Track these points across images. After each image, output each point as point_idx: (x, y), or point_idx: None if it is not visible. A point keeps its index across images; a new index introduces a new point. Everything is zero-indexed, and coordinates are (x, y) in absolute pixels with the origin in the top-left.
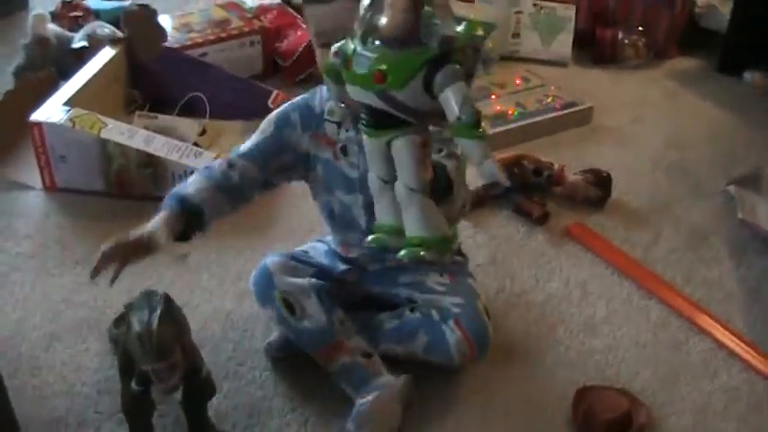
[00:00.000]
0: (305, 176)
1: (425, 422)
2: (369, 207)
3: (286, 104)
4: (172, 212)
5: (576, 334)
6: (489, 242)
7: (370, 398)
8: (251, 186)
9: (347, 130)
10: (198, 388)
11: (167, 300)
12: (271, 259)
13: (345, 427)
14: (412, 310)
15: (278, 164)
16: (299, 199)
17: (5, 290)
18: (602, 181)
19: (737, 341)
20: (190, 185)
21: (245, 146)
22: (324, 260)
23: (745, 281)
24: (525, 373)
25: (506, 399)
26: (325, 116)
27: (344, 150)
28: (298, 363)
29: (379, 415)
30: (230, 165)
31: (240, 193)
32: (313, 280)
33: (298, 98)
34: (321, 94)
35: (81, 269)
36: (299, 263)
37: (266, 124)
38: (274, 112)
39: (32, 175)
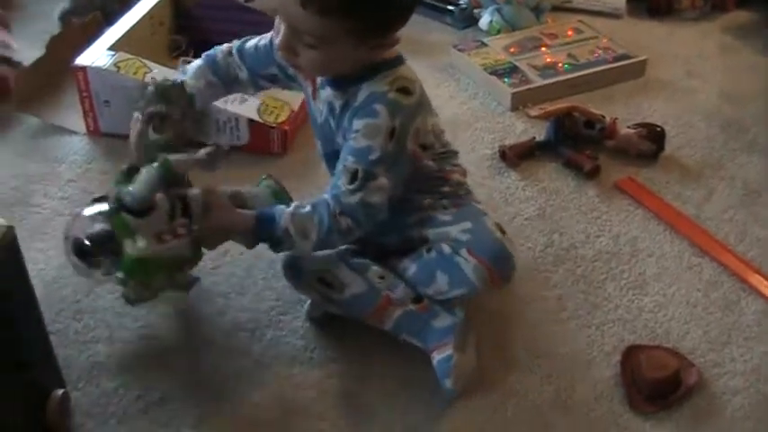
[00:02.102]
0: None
1: (474, 378)
2: (325, 156)
3: None
4: None
5: (626, 291)
6: (538, 195)
7: (449, 351)
8: (242, 83)
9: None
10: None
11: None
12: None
13: (443, 385)
14: (428, 251)
15: (266, 73)
16: None
17: (48, 234)
18: (655, 135)
19: None
20: (191, 68)
21: (249, 44)
22: None
23: None
24: (572, 329)
25: (552, 356)
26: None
27: (319, 92)
28: (337, 314)
29: (467, 366)
30: (229, 53)
31: (234, 83)
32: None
33: None
34: None
35: None
36: None
37: (268, 34)
38: None
39: (76, 120)
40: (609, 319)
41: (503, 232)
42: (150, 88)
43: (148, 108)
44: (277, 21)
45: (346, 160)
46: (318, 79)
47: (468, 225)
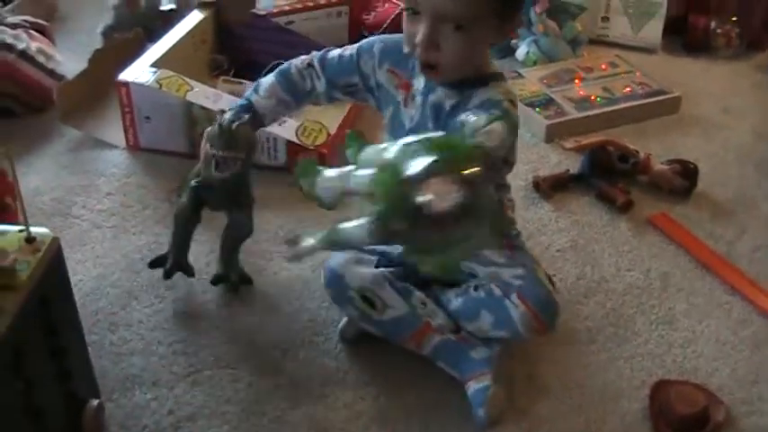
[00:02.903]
0: (379, 107)
1: (505, 407)
2: None
3: (378, 36)
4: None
5: (656, 326)
6: (571, 227)
7: (487, 381)
8: (317, 95)
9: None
10: (237, 222)
11: (252, 117)
12: (335, 260)
13: (476, 414)
14: (476, 288)
15: (345, 83)
16: None
17: (86, 246)
18: (688, 171)
19: None
20: (262, 85)
21: (331, 54)
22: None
23: None
24: (602, 361)
25: (582, 387)
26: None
27: (412, 99)
28: (372, 337)
29: (501, 397)
30: (309, 65)
31: (307, 96)
32: (381, 270)
33: (393, 35)
34: None
35: (161, 228)
36: (361, 252)
37: (352, 46)
38: (365, 39)
39: (117, 134)
40: (638, 353)
41: (552, 284)
42: (214, 129)
43: (211, 149)
44: (408, 25)
45: None
46: (417, 85)
47: (520, 272)
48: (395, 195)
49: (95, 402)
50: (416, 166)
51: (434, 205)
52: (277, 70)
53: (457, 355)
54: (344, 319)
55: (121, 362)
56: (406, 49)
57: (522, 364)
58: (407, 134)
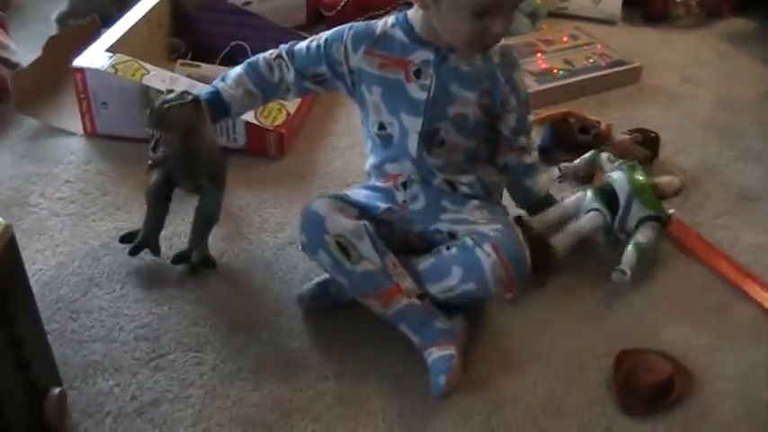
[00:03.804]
0: (350, 92)
1: (467, 381)
2: (427, 134)
3: (344, 25)
4: (206, 102)
5: (618, 294)
6: None
7: (452, 350)
8: (286, 87)
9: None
10: (204, 203)
11: (195, 100)
12: (317, 203)
13: (435, 381)
14: (448, 248)
15: (313, 72)
16: (338, 150)
17: (45, 235)
18: (649, 141)
19: None
20: (230, 75)
21: (299, 45)
22: (364, 200)
23: None
24: (565, 332)
25: (545, 358)
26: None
27: (417, 73)
28: (334, 316)
29: (461, 370)
30: (278, 56)
31: (275, 90)
32: (363, 221)
33: (359, 22)
34: (387, 20)
35: (121, 215)
36: (343, 202)
37: (321, 35)
38: (331, 30)
39: (74, 122)
40: (601, 323)
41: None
42: (147, 111)
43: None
44: (471, 23)
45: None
46: (420, 57)
47: (498, 227)
48: None
49: (57, 390)
50: None
51: None
52: (246, 62)
53: (421, 321)
54: (306, 284)
55: (83, 349)
56: (462, 43)
57: (483, 335)
58: (429, 102)
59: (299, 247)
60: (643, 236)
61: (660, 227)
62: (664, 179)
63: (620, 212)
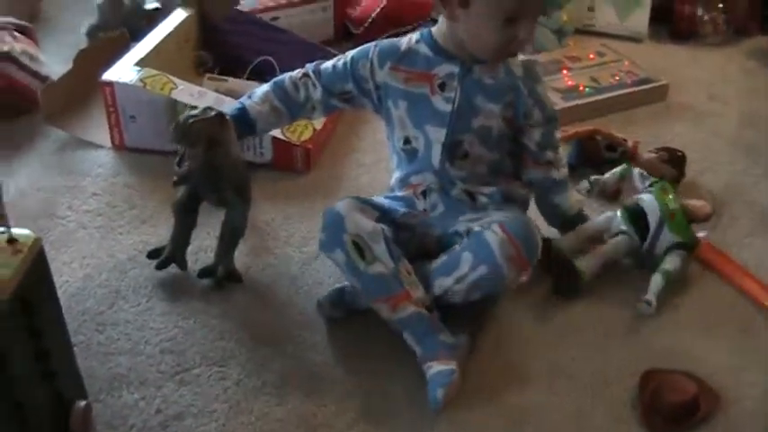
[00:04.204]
0: (376, 109)
1: (488, 391)
2: (450, 146)
3: (369, 43)
4: (232, 118)
5: (635, 292)
6: None
7: (453, 366)
8: (312, 105)
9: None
10: (231, 218)
11: (219, 115)
12: (340, 203)
13: (433, 394)
14: (460, 244)
15: (340, 90)
16: (364, 166)
17: (73, 247)
18: (676, 159)
19: None
20: (257, 93)
21: (325, 64)
22: (386, 204)
23: None
24: (592, 349)
25: (570, 376)
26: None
27: (442, 86)
28: (358, 331)
29: (459, 387)
30: (305, 75)
31: (301, 108)
32: (381, 225)
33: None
34: (411, 36)
35: (147, 228)
36: (365, 204)
37: (347, 53)
38: (356, 49)
39: (102, 135)
40: (627, 341)
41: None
42: (171, 126)
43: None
44: (500, 33)
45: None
46: (445, 71)
47: (510, 214)
48: None
49: (82, 403)
50: None
51: None
52: (272, 80)
53: (425, 332)
54: (325, 294)
55: (109, 362)
56: (490, 51)
57: (508, 353)
58: (453, 114)
59: (318, 246)
60: (671, 264)
61: (689, 254)
62: (694, 203)
63: (649, 237)
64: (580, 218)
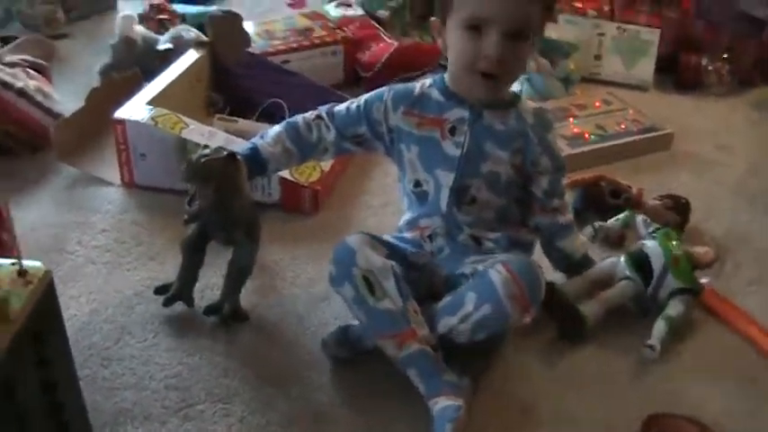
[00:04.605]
0: (388, 152)
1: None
2: (458, 190)
3: (384, 87)
4: (244, 158)
5: (639, 336)
6: None
7: (460, 402)
8: (325, 147)
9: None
10: (238, 256)
11: (231, 155)
12: (351, 237)
13: (440, 429)
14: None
15: (353, 133)
16: (372, 208)
17: (80, 282)
18: (680, 207)
19: None
20: (269, 134)
21: (338, 107)
22: (395, 242)
23: None
24: (597, 394)
25: (576, 421)
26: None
27: (453, 130)
28: (364, 372)
29: (465, 420)
30: (318, 117)
31: (313, 149)
32: (391, 262)
33: (399, 84)
34: (424, 81)
35: (155, 265)
36: (376, 240)
37: (360, 97)
38: (371, 92)
39: (112, 172)
40: (630, 386)
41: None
42: (183, 165)
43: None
44: (467, 43)
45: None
46: (456, 116)
47: (514, 256)
48: None
49: None
50: None
51: None
52: (285, 121)
53: (430, 371)
54: (330, 332)
55: (114, 396)
56: (463, 67)
57: (515, 398)
58: (462, 158)
59: (328, 279)
60: (674, 310)
61: (692, 299)
62: (698, 249)
63: (653, 282)
64: (586, 261)
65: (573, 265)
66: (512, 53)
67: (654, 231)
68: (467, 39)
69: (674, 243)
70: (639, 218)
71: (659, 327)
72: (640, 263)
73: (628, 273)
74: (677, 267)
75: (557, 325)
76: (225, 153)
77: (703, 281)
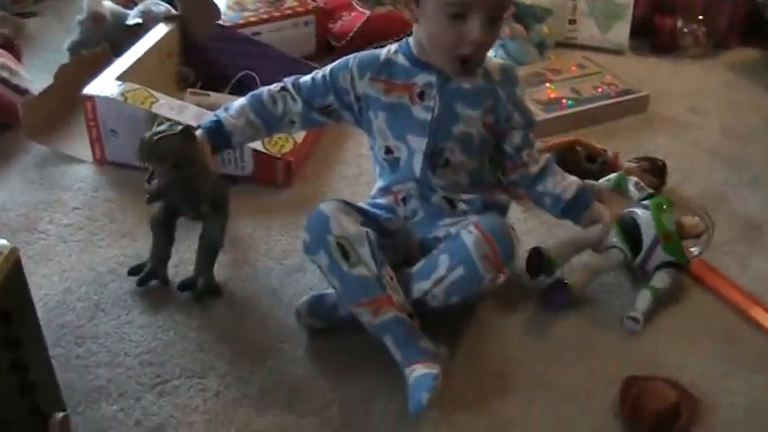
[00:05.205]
0: (357, 121)
1: (470, 400)
2: (432, 155)
3: (348, 56)
4: (206, 131)
5: (623, 305)
6: (539, 227)
7: (437, 370)
8: (291, 119)
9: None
10: (207, 232)
11: (185, 131)
12: (325, 204)
13: (417, 398)
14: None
15: (320, 103)
16: (346, 179)
17: (53, 261)
18: (656, 169)
19: None
20: (233, 106)
21: (304, 78)
22: (369, 209)
23: None
24: (576, 362)
25: (553, 386)
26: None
27: (422, 95)
28: (341, 342)
29: (441, 389)
30: (283, 88)
31: (279, 122)
32: (366, 228)
33: (363, 52)
34: (390, 47)
35: (128, 242)
36: (350, 207)
37: (325, 67)
38: (335, 62)
39: (83, 149)
40: (608, 351)
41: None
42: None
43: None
44: (449, 30)
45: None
46: (424, 80)
47: (486, 216)
48: None
49: (60, 415)
50: None
51: None
52: (249, 94)
53: (407, 338)
54: (302, 300)
55: (88, 374)
56: (442, 51)
57: (491, 363)
58: (433, 122)
59: (302, 248)
60: (661, 282)
61: (679, 273)
62: (688, 220)
63: (642, 254)
64: (581, 200)
65: (567, 206)
66: (491, 36)
67: (646, 198)
68: (450, 25)
69: (668, 216)
70: (632, 180)
71: (643, 298)
72: (630, 231)
73: (616, 240)
74: (668, 242)
75: (526, 269)
76: (179, 129)
77: (693, 250)
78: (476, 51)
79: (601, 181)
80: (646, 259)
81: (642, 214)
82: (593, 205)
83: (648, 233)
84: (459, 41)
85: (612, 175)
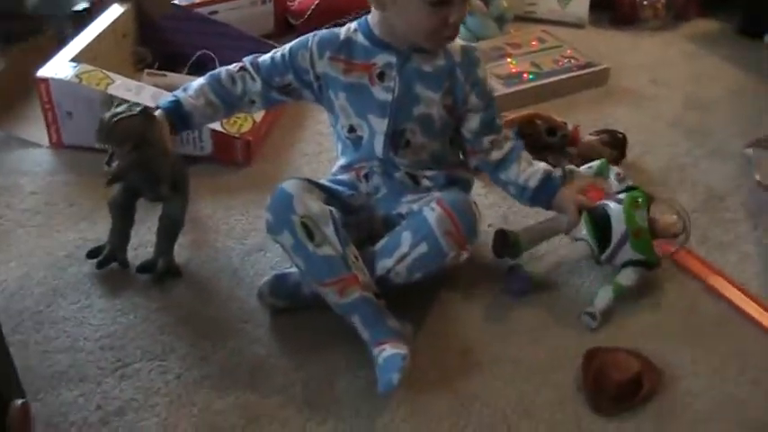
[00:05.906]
0: (317, 99)
1: (434, 377)
2: (392, 135)
3: (307, 34)
4: (165, 112)
5: (586, 294)
6: (501, 202)
7: (405, 350)
8: (251, 99)
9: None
10: (167, 213)
11: (144, 112)
12: (288, 182)
13: (387, 378)
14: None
15: (280, 82)
16: (306, 156)
17: (11, 246)
18: (617, 141)
19: (753, 304)
20: (192, 87)
21: (263, 57)
22: (332, 186)
23: (760, 243)
24: (539, 337)
25: (516, 361)
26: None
27: (381, 76)
28: (303, 321)
29: (409, 369)
30: (242, 68)
31: (238, 101)
32: (330, 207)
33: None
34: (349, 26)
35: (87, 225)
36: (313, 185)
37: (285, 45)
38: (295, 40)
39: (39, 133)
40: (570, 323)
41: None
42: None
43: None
44: (431, 17)
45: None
46: (383, 60)
47: (448, 192)
48: None
49: (19, 402)
50: None
51: None
52: (208, 74)
53: (374, 317)
54: (264, 279)
55: (48, 360)
56: (426, 36)
57: (454, 341)
58: (393, 103)
59: (265, 228)
60: (626, 279)
61: (646, 271)
62: (666, 219)
63: (609, 249)
64: (548, 186)
65: (533, 195)
66: (461, 15)
67: (624, 191)
68: (432, 12)
69: (640, 212)
70: (614, 170)
71: (605, 294)
72: (600, 223)
73: (584, 233)
74: (637, 239)
75: (492, 248)
76: (138, 110)
77: (671, 249)
78: (456, 30)
79: (583, 168)
80: (612, 255)
81: (615, 207)
82: (559, 193)
83: (618, 228)
84: (443, 25)
85: (594, 163)
